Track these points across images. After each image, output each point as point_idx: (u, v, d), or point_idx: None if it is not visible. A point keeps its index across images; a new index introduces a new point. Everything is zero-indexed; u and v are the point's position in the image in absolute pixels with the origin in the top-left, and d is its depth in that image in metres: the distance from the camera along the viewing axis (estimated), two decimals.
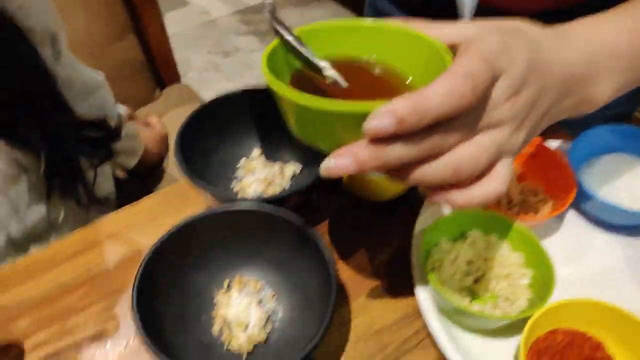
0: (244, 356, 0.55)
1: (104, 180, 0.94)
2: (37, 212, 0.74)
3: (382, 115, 0.33)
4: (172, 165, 1.40)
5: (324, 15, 2.76)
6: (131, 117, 1.31)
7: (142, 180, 1.27)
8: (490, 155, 0.37)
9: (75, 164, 0.78)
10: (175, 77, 1.53)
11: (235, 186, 0.70)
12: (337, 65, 0.45)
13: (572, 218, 0.69)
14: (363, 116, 0.33)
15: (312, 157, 0.71)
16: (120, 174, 1.25)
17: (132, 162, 1.18)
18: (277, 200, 0.58)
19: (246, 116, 0.70)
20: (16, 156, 0.68)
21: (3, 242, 0.73)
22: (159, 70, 1.48)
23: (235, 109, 0.69)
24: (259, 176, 0.69)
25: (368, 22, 0.46)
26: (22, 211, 0.72)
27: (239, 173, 0.72)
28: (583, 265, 0.64)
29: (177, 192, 0.72)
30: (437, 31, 0.42)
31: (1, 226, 0.71)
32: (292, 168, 0.71)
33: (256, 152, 0.73)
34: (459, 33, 0.40)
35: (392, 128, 0.33)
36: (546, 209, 0.66)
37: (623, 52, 0.46)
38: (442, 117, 0.34)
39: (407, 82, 0.45)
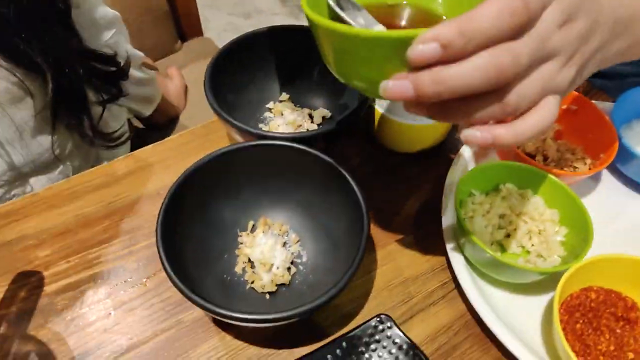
0: (267, 297, 0.54)
1: (112, 118, 0.91)
2: (43, 141, 0.72)
3: (427, 39, 0.31)
4: (189, 118, 1.39)
5: None
6: (150, 67, 1.29)
7: (158, 132, 1.26)
8: (540, 89, 0.35)
9: (82, 95, 0.76)
10: (197, 31, 1.50)
11: (263, 128, 0.68)
12: (371, 11, 0.43)
13: (608, 179, 0.67)
14: (407, 43, 0.31)
15: (340, 104, 0.69)
16: (137, 124, 1.23)
17: (148, 110, 1.16)
18: (307, 139, 0.56)
19: (276, 57, 0.68)
20: (22, 78, 0.66)
21: (7, 167, 0.71)
22: (182, 21, 1.45)
23: (266, 49, 0.67)
24: (288, 119, 0.67)
25: None
26: (26, 138, 0.70)
27: (267, 115, 0.70)
28: (618, 226, 0.62)
29: (203, 132, 0.70)
30: None
31: (4, 147, 0.69)
32: (321, 114, 0.69)
33: (285, 95, 0.71)
34: None
35: (438, 53, 0.31)
36: (584, 168, 0.63)
37: None
38: (493, 40, 0.31)
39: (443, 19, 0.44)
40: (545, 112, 0.36)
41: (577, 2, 0.35)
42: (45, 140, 0.72)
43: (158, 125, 1.27)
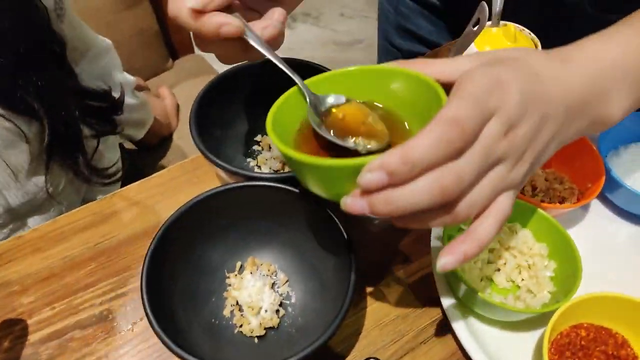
0: (255, 340, 0.54)
1: (107, 151, 0.91)
2: (37, 181, 0.72)
3: (374, 168, 0.34)
4: (181, 137, 1.38)
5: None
6: (141, 87, 1.28)
7: (150, 153, 1.26)
8: (490, 192, 0.38)
9: (77, 134, 0.76)
10: (188, 48, 1.49)
11: (251, 162, 0.68)
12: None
13: (598, 208, 0.67)
14: (358, 170, 0.35)
15: None
16: (128, 145, 1.23)
17: (140, 134, 1.16)
18: (294, 178, 0.55)
19: (264, 90, 0.67)
20: (18, 123, 0.66)
21: (3, 209, 0.71)
22: (172, 40, 1.45)
23: (253, 82, 0.66)
24: (276, 152, 0.67)
25: (368, 67, 0.47)
26: (21, 179, 0.70)
27: (256, 148, 0.69)
28: (608, 258, 0.62)
29: (190, 168, 0.69)
30: (436, 68, 0.42)
31: (0, 191, 0.69)
32: None
33: None
34: (456, 69, 0.40)
35: (385, 180, 0.34)
36: (572, 199, 0.63)
37: (631, 68, 0.44)
38: (435, 164, 0.34)
39: (405, 126, 0.46)
40: (500, 212, 0.38)
41: (518, 109, 0.37)
42: (39, 180, 0.72)
43: (150, 145, 1.27)
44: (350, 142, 0.44)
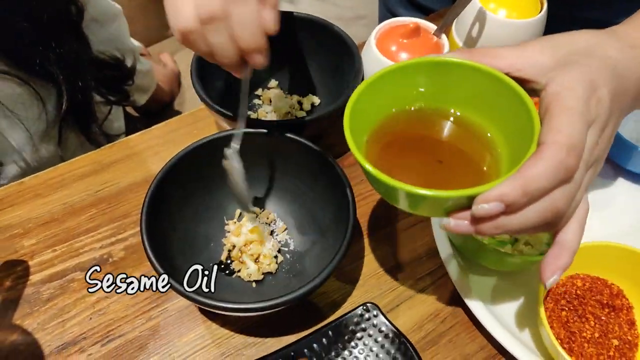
0: (253, 285, 0.54)
1: (116, 118, 0.92)
2: (51, 144, 0.73)
3: (492, 200, 0.33)
4: (181, 104, 1.38)
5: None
6: (143, 54, 1.28)
7: (151, 119, 1.26)
8: (580, 200, 0.38)
9: (90, 101, 0.77)
10: None
11: (252, 115, 0.68)
12: (415, 114, 0.44)
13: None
14: (469, 199, 0.34)
15: (330, 90, 0.69)
16: (131, 111, 1.23)
17: (142, 99, 1.16)
18: (295, 125, 0.55)
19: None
20: (36, 87, 0.67)
21: (18, 171, 0.72)
22: None
23: None
24: (276, 106, 0.67)
25: (431, 59, 0.43)
26: (37, 143, 0.71)
27: (256, 102, 0.69)
28: (607, 213, 0.62)
29: (189, 120, 0.69)
30: (506, 61, 0.40)
31: (18, 153, 0.71)
32: (310, 101, 0.69)
33: (273, 82, 0.70)
34: (529, 64, 0.39)
35: (501, 210, 0.34)
36: None
37: None
38: (550, 191, 0.34)
39: (488, 135, 0.43)
40: (582, 215, 0.39)
41: (610, 109, 0.37)
42: (53, 143, 0.73)
43: (151, 111, 1.27)
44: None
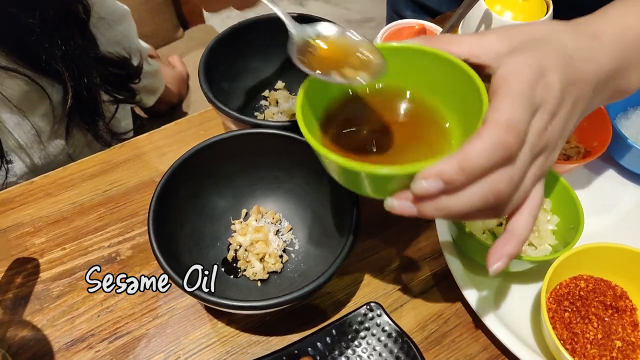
0: (258, 284, 0.55)
1: (123, 116, 0.93)
2: (58, 142, 0.74)
3: (429, 175, 0.33)
4: (190, 106, 1.39)
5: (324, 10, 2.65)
6: (152, 56, 1.29)
7: (159, 121, 1.27)
8: (530, 187, 0.38)
9: (96, 99, 0.78)
10: (199, 18, 1.50)
11: (259, 116, 0.69)
12: (372, 97, 0.44)
13: (603, 167, 0.67)
14: (410, 176, 0.34)
15: None
16: (139, 112, 1.24)
17: (151, 101, 1.17)
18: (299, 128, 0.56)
19: (272, 45, 0.67)
20: (42, 84, 0.68)
21: (26, 168, 0.73)
22: (183, 9, 1.45)
23: (260, 37, 0.67)
24: (283, 107, 0.67)
25: (391, 45, 0.43)
26: (44, 141, 0.72)
27: (263, 103, 0.70)
28: (610, 217, 0.62)
29: (197, 121, 0.70)
30: (463, 48, 0.40)
31: (26, 151, 0.72)
32: None
33: (280, 84, 0.71)
34: (485, 50, 0.39)
35: (440, 188, 0.33)
36: (578, 157, 0.63)
37: None
38: (490, 171, 0.34)
39: (445, 126, 0.43)
40: (534, 205, 0.38)
41: (560, 95, 0.37)
42: (60, 142, 0.74)
43: (160, 113, 1.28)
44: (336, 77, 0.40)
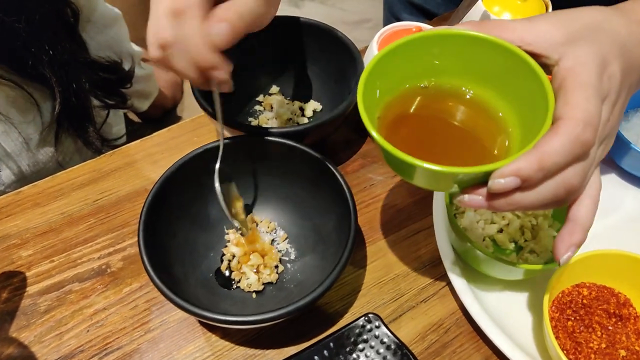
0: (254, 296, 0.53)
1: (115, 122, 0.92)
2: (47, 150, 0.73)
3: (508, 175, 0.33)
4: (184, 110, 1.38)
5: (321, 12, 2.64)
6: (146, 59, 1.28)
7: (153, 125, 1.25)
8: (591, 176, 0.38)
9: (86, 105, 0.76)
10: None
11: (253, 122, 0.67)
12: (424, 95, 0.44)
13: (604, 171, 0.65)
14: (485, 175, 0.35)
15: (332, 96, 0.68)
16: (132, 117, 1.23)
17: (144, 105, 1.16)
18: (296, 133, 0.54)
19: (266, 50, 0.66)
20: (30, 91, 0.66)
21: (14, 177, 0.71)
22: None
23: (255, 41, 0.65)
24: (278, 112, 0.66)
25: (443, 31, 0.41)
26: (33, 148, 0.71)
27: (257, 108, 0.68)
28: (613, 221, 0.61)
29: (190, 128, 0.68)
30: (516, 34, 0.39)
31: (13, 159, 0.70)
32: (312, 107, 0.68)
33: (275, 88, 0.70)
34: (539, 38, 0.38)
35: (517, 185, 0.34)
36: None
37: None
38: (566, 167, 0.34)
39: (499, 115, 0.43)
40: (595, 191, 0.39)
41: (621, 85, 0.37)
42: (49, 149, 0.72)
43: (154, 118, 1.27)
44: None
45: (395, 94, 0.43)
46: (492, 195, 0.35)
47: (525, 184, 0.34)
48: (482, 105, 0.43)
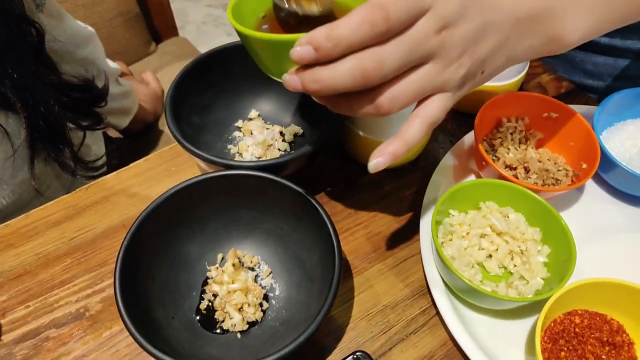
0: (238, 336, 0.51)
1: (93, 141, 0.89)
2: (23, 178, 0.70)
3: (303, 42, 0.36)
4: (166, 124, 1.35)
5: None
6: (124, 74, 1.25)
7: (135, 140, 1.23)
8: (415, 90, 0.38)
9: (61, 127, 0.73)
10: (172, 31, 1.45)
11: (232, 149, 0.65)
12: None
13: (592, 189, 0.65)
14: (291, 45, 0.37)
15: (312, 120, 0.66)
16: (113, 133, 1.20)
17: (124, 122, 1.13)
18: (276, 166, 0.53)
19: (244, 74, 0.64)
20: None
21: None
22: (155, 22, 1.41)
23: (232, 65, 0.63)
24: (258, 139, 0.64)
25: None
26: (6, 178, 0.68)
27: (237, 134, 0.66)
28: (604, 241, 0.60)
29: (168, 157, 0.66)
30: None
31: None
32: (292, 131, 0.66)
33: (254, 113, 0.68)
34: None
35: (312, 54, 0.35)
36: (566, 180, 0.61)
37: None
38: (358, 45, 0.35)
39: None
40: (428, 114, 0.40)
41: (456, 10, 0.38)
42: (25, 176, 0.69)
43: (135, 133, 1.24)
44: (292, 5, 0.46)
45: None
46: (300, 71, 0.37)
47: (320, 54, 0.35)
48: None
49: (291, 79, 0.38)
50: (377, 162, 0.40)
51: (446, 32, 0.37)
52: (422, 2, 0.36)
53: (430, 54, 0.38)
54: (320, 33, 0.35)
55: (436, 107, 0.40)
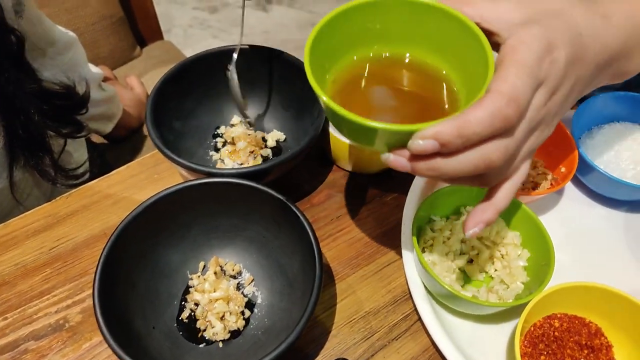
0: (220, 345, 0.51)
1: (75, 149, 0.88)
2: (1, 188, 0.69)
3: (427, 136, 0.33)
4: None
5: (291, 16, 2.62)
6: (108, 78, 1.24)
7: (120, 146, 1.22)
8: (520, 161, 0.38)
9: (40, 135, 0.72)
10: (156, 34, 1.44)
11: (214, 156, 0.65)
12: (370, 65, 0.44)
13: (571, 192, 0.65)
14: (409, 134, 0.35)
15: (294, 125, 0.66)
16: (97, 139, 1.19)
17: (108, 128, 1.12)
18: (258, 173, 0.53)
19: (224, 79, 0.64)
20: None
21: None
22: (139, 26, 1.40)
23: (215, 70, 0.63)
24: (240, 145, 0.64)
25: None
26: None
27: (218, 141, 0.66)
28: (582, 244, 0.60)
29: (150, 164, 0.66)
30: (476, 11, 0.39)
31: None
32: (275, 137, 0.66)
33: (236, 119, 0.68)
34: (498, 18, 0.38)
35: (436, 149, 0.34)
36: (545, 184, 0.61)
37: None
38: (486, 139, 0.34)
39: (443, 72, 0.43)
40: (518, 178, 0.39)
41: (563, 73, 0.36)
42: (4, 185, 0.68)
43: (120, 138, 1.23)
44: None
45: (345, 63, 0.43)
46: (414, 157, 0.35)
47: (445, 149, 0.34)
48: (432, 76, 0.44)
49: (399, 162, 0.36)
50: (473, 232, 0.40)
51: (550, 101, 0.37)
52: (539, 79, 0.35)
53: (537, 126, 0.37)
54: (449, 129, 0.33)
55: (525, 170, 0.39)
